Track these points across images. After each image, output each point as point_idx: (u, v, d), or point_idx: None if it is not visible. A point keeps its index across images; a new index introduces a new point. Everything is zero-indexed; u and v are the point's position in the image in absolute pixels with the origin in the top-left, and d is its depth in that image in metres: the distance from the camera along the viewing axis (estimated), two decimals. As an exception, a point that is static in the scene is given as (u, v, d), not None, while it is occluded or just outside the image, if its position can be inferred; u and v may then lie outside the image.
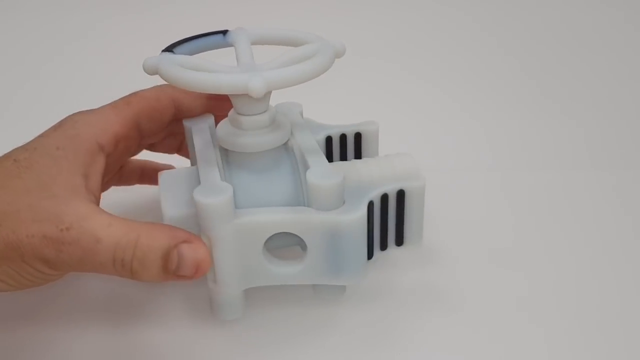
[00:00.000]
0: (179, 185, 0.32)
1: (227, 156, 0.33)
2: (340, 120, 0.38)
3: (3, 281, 0.26)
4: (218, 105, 0.36)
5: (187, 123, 0.36)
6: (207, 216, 0.28)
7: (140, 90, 0.34)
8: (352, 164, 0.34)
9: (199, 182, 0.31)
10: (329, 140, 0.37)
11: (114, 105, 0.32)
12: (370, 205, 0.30)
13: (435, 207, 0.40)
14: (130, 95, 0.34)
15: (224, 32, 0.34)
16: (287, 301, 0.34)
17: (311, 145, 0.33)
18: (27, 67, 0.58)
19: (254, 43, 0.33)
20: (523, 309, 0.33)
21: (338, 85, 0.53)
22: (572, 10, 0.64)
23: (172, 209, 0.30)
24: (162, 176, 0.32)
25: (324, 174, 0.29)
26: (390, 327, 0.33)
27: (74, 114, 0.31)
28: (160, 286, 0.35)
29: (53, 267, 0.26)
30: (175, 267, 0.27)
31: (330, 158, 0.38)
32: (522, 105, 0.56)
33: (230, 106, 0.32)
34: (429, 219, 0.38)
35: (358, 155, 0.38)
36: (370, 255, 0.32)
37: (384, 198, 0.31)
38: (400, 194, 0.31)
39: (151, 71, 0.29)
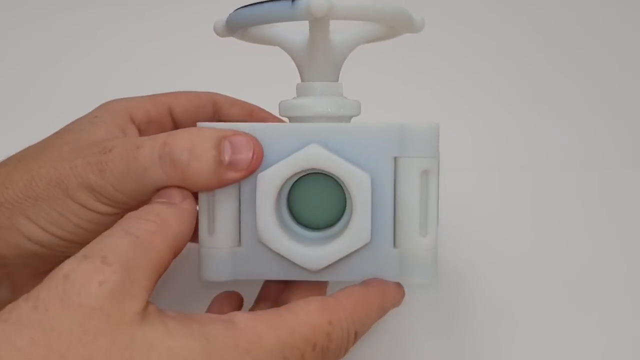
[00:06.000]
0: None
1: None
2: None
3: (44, 229, 0.26)
4: (257, 118, 0.35)
5: None
6: None
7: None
8: None
9: None
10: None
11: (149, 95, 0.33)
12: None
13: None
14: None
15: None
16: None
17: None
18: (31, 68, 0.56)
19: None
20: (533, 307, 0.35)
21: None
22: (568, 10, 0.63)
23: None
24: None
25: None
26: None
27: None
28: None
29: (99, 194, 0.25)
30: (229, 156, 0.25)
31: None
32: (521, 105, 0.56)
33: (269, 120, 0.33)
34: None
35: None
36: None
37: None
38: None
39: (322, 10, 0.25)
